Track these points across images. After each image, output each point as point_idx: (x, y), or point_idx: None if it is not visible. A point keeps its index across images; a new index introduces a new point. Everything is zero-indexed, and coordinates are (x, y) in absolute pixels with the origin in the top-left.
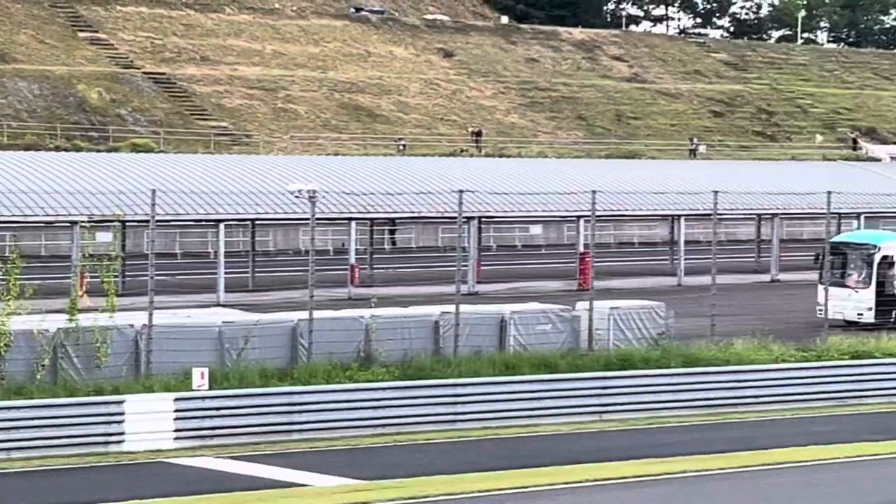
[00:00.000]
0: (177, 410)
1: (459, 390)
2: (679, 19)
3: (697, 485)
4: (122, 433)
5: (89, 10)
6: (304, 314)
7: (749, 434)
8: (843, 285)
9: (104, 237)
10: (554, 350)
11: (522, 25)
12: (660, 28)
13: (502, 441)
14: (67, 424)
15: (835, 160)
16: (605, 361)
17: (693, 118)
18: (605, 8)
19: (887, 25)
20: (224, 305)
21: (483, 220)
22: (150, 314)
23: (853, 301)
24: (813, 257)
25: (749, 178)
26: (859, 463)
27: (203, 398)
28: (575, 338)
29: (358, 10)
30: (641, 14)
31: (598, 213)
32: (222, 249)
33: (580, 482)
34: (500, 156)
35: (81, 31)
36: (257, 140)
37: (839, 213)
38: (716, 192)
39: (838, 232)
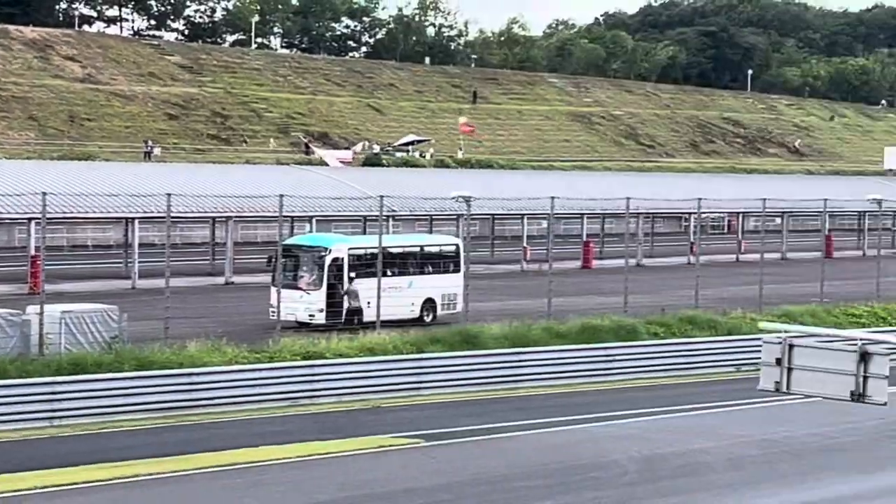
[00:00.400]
0: None
1: None
2: (133, 21)
3: (148, 488)
4: None
5: None
6: None
7: (203, 436)
8: (296, 287)
9: None
10: (3, 356)
11: None
12: (114, 29)
13: None
14: None
15: (288, 164)
16: (57, 366)
17: (148, 120)
18: (57, 7)
19: (338, 32)
20: None
21: None
22: None
23: (305, 303)
24: (266, 260)
25: (204, 182)
26: (309, 462)
27: None
28: (25, 343)
29: None
30: (95, 14)
31: (49, 216)
32: None
33: (30, 490)
34: None
35: None
36: None
37: (292, 217)
38: (169, 195)
39: (291, 235)
